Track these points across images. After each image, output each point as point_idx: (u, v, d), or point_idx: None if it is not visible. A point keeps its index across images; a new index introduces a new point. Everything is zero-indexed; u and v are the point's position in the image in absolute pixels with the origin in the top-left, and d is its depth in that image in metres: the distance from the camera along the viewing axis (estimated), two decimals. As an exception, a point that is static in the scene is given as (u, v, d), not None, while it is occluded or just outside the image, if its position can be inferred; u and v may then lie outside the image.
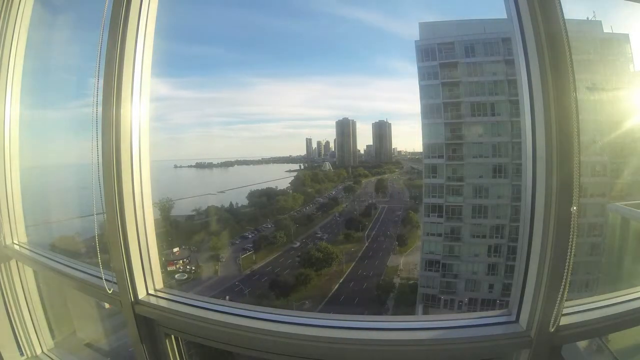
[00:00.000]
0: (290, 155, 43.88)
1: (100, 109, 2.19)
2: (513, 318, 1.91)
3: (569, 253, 1.64)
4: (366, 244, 27.35)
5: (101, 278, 2.42)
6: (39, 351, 3.48)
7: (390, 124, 41.00)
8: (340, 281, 23.76)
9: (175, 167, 39.92)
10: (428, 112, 20.42)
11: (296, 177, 38.95)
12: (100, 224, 2.37)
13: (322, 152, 43.95)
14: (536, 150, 1.72)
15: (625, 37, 15.67)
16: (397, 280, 23.23)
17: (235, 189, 34.96)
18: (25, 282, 3.45)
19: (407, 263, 24.57)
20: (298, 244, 27.62)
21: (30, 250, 3.34)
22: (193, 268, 24.27)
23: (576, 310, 1.92)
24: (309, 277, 23.27)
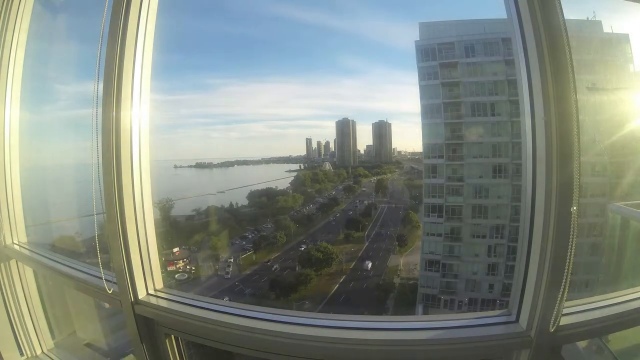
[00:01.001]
0: (290, 155, 43.91)
1: (100, 109, 2.20)
2: (513, 318, 1.91)
3: (569, 253, 1.64)
4: (366, 244, 27.35)
5: (101, 278, 2.42)
6: (39, 351, 3.48)
7: (390, 124, 41.03)
8: (340, 281, 23.75)
9: (175, 167, 39.94)
10: (428, 112, 20.42)
11: (296, 177, 38.95)
12: (100, 224, 2.37)
13: (322, 152, 43.95)
14: (536, 150, 1.72)
15: (625, 37, 15.67)
16: (397, 280, 23.24)
17: (235, 189, 34.97)
18: (25, 282, 3.45)
19: (407, 263, 24.57)
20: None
21: (30, 250, 3.34)
22: (193, 268, 24.27)
23: (576, 310, 1.91)
24: (309, 277, 23.26)
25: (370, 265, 24.70)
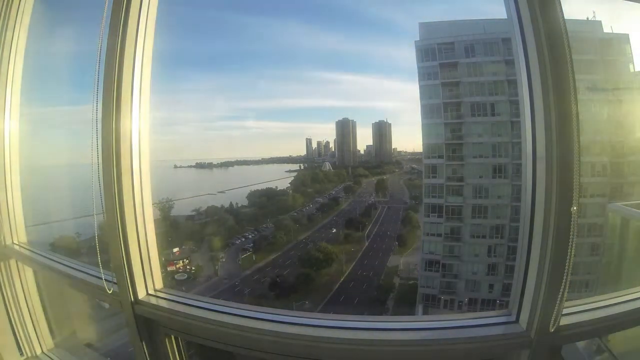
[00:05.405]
0: (290, 156, 43.91)
1: (100, 108, 2.19)
2: (513, 318, 1.91)
3: (569, 253, 1.64)
4: (366, 244, 27.36)
5: (101, 278, 2.42)
6: (39, 351, 3.48)
7: (390, 124, 41.01)
8: (340, 281, 23.74)
9: (175, 167, 39.92)
10: (428, 112, 20.42)
11: (296, 177, 38.95)
12: (100, 224, 2.37)
13: (322, 152, 43.94)
14: (536, 150, 1.72)
15: (625, 37, 15.67)
16: (397, 280, 23.24)
17: (235, 189, 34.98)
18: (25, 282, 3.45)
19: (407, 263, 24.57)
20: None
21: (30, 250, 3.34)
22: (193, 268, 24.27)
23: (576, 310, 1.91)
24: (309, 277, 23.26)
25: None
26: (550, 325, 1.70)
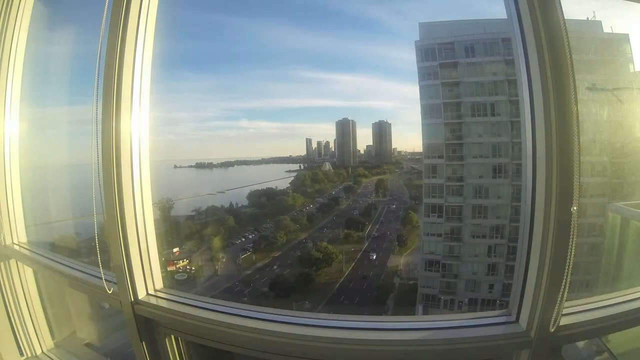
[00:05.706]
0: (290, 156, 43.88)
1: (100, 108, 2.20)
2: (513, 318, 1.91)
3: (569, 253, 1.64)
4: (366, 244, 27.36)
5: (101, 278, 2.42)
6: (38, 351, 3.49)
7: (390, 124, 40.97)
8: (340, 281, 23.75)
9: (175, 167, 39.88)
10: (428, 112, 20.43)
11: (296, 177, 38.93)
12: (100, 224, 2.37)
13: (322, 152, 43.91)
14: (536, 150, 1.72)
15: (625, 37, 15.66)
16: (397, 280, 23.25)
17: (235, 189, 34.96)
18: (25, 282, 3.45)
19: (407, 263, 24.57)
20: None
21: (30, 250, 3.35)
22: (193, 268, 24.26)
23: (576, 310, 1.92)
24: (309, 277, 23.28)
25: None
26: (550, 325, 1.71)
